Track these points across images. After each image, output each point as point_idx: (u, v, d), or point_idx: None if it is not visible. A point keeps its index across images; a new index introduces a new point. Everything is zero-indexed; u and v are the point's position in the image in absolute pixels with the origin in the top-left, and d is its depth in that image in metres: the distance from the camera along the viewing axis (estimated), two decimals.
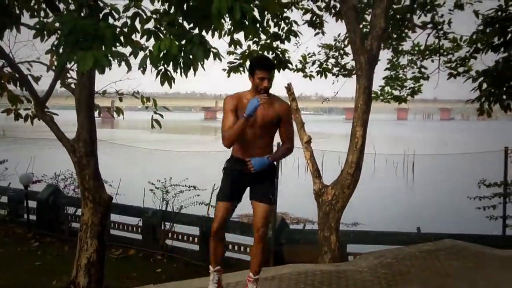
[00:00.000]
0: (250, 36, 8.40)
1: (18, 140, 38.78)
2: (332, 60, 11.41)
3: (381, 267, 5.85)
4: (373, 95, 11.30)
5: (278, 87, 7.93)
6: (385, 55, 11.58)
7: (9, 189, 14.59)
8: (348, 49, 10.63)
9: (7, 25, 6.07)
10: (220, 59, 6.55)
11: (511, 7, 8.81)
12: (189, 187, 12.15)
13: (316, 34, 10.62)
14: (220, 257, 4.55)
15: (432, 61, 11.23)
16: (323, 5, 10.34)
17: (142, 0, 5.24)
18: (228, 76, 9.26)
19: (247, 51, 9.50)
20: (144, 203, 12.93)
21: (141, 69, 4.79)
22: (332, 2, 10.26)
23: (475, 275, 5.59)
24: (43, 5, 6.63)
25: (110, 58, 4.63)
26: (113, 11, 5.00)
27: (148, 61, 4.77)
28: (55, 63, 7.40)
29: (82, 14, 4.99)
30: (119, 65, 4.81)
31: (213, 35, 6.33)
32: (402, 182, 28.08)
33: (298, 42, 10.40)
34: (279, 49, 9.61)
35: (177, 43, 4.79)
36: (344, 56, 11.31)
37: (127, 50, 4.99)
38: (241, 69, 9.44)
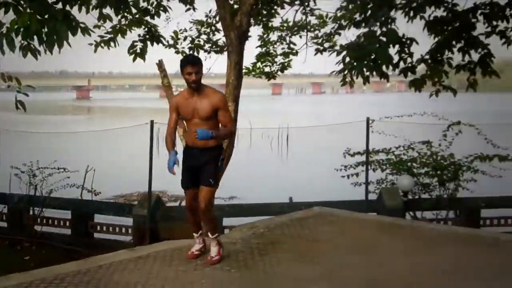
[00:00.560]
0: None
1: None
2: (204, 37, 11.37)
3: (254, 238, 6.00)
4: (244, 70, 11.50)
5: (151, 63, 7.80)
6: (256, 31, 11.74)
7: None
8: (220, 26, 10.65)
9: None
10: (90, 34, 6.25)
11: None
12: (59, 169, 11.60)
13: (187, 10, 10.51)
14: (198, 223, 5.28)
15: (300, 37, 11.58)
16: None
17: None
18: (95, 51, 8.89)
19: (118, 25, 9.18)
20: (10, 189, 12.17)
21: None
22: None
23: (340, 238, 5.93)
24: None
25: None
26: None
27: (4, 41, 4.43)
28: None
29: None
30: None
31: (79, 10, 6.03)
32: (277, 155, 28.97)
33: (169, 18, 10.23)
34: (150, 25, 9.39)
35: (39, 17, 4.48)
36: (216, 33, 11.32)
37: None
38: (111, 43, 9.12)
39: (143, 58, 9.23)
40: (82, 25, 4.86)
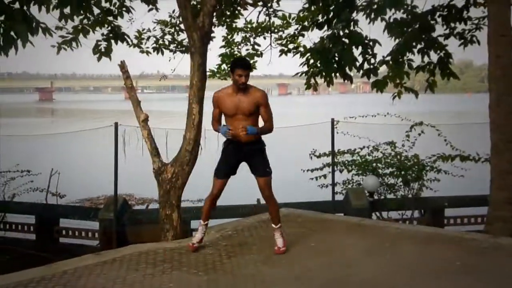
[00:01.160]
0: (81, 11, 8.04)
1: None
2: (168, 37, 11.31)
3: (222, 240, 6.01)
4: (209, 73, 11.49)
5: (116, 64, 7.70)
6: (220, 32, 11.75)
7: None
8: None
9: None
10: (51, 35, 6.13)
11: None
12: (22, 171, 11.37)
13: (150, 10, 10.45)
14: (209, 213, 5.71)
15: (265, 38, 11.64)
16: None
17: None
18: (58, 52, 8.75)
19: (80, 26, 9.06)
20: None
21: None
22: None
23: (308, 239, 5.98)
24: None
25: None
26: None
27: None
28: None
29: None
30: None
31: (39, 10, 5.91)
32: None
33: (132, 18, 10.17)
34: (113, 24, 9.31)
35: None
36: (180, 33, 11.27)
37: None
38: (73, 44, 8.99)
39: (109, 56, 9.15)
40: (42, 25, 4.77)
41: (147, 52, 11.10)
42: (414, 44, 10.25)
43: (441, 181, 10.88)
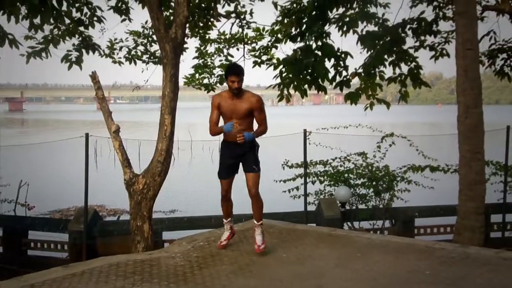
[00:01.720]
0: (52, 21, 7.96)
1: None
2: (141, 47, 11.28)
3: (193, 251, 5.96)
4: (184, 80, 11.49)
5: (87, 74, 7.63)
6: (193, 43, 11.83)
7: None
8: None
9: None
10: (17, 47, 6.06)
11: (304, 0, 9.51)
12: None
13: (123, 20, 10.41)
14: (230, 211, 6.13)
15: (238, 49, 11.69)
16: None
17: None
18: (27, 62, 8.64)
19: (50, 36, 8.96)
20: None
21: None
22: None
23: (280, 250, 5.98)
24: None
25: None
26: None
27: None
28: None
29: None
30: None
31: (8, 20, 5.83)
32: (217, 167, 28.91)
33: (104, 28, 10.10)
34: (84, 34, 9.23)
35: None
36: (153, 44, 11.24)
37: None
38: (43, 54, 8.88)
39: (80, 65, 9.06)
40: (10, 37, 4.70)
41: (119, 62, 11.05)
42: (385, 56, 10.41)
43: (411, 192, 11.03)
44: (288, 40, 10.38)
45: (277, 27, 10.71)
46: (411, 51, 10.86)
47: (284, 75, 9.92)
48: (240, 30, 11.29)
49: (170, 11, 10.05)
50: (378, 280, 4.97)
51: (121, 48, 11.08)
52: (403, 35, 10.67)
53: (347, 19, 10.09)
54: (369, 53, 10.51)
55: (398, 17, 11.10)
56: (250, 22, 11.14)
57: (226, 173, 5.87)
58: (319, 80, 10.13)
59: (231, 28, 11.38)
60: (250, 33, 11.49)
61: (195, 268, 5.36)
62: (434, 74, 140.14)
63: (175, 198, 17.63)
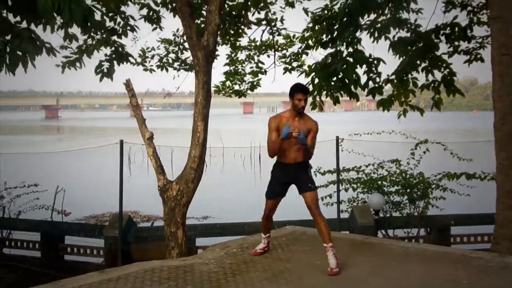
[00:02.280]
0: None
1: None
2: (172, 55, 11.42)
3: (226, 257, 5.99)
4: (214, 89, 11.57)
5: (121, 82, 7.76)
6: (224, 50, 11.93)
7: None
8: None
9: None
10: (55, 54, 6.20)
11: (335, 6, 9.47)
12: (29, 186, 11.42)
13: (154, 29, 10.56)
14: (269, 228, 6.17)
15: (268, 56, 11.72)
16: (159, 0, 10.30)
17: None
18: (62, 72, 8.84)
19: (84, 45, 9.15)
20: None
21: None
22: None
23: (313, 257, 5.95)
24: None
25: None
26: None
27: None
28: None
29: None
30: None
31: (44, 29, 5.96)
32: (250, 173, 29.00)
33: (136, 37, 10.28)
34: (117, 44, 9.40)
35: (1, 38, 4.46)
36: (184, 51, 11.38)
37: None
38: (77, 64, 9.07)
39: (111, 77, 9.21)
40: (47, 45, 4.82)
41: (151, 70, 11.22)
42: (418, 62, 10.28)
43: (447, 199, 10.84)
44: (319, 46, 10.36)
45: (307, 34, 10.70)
46: (445, 57, 10.70)
47: (316, 82, 9.89)
48: (271, 37, 11.34)
49: (202, 19, 10.15)
50: None
51: (153, 56, 11.24)
52: (436, 40, 10.52)
53: (379, 25, 10.01)
54: (401, 59, 10.40)
55: (431, 23, 11.04)
56: (280, 29, 11.19)
57: (274, 193, 5.85)
58: (352, 86, 10.07)
59: (261, 35, 11.44)
60: (281, 40, 11.52)
61: (229, 275, 5.38)
62: (468, 79, 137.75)
63: (208, 205, 17.73)
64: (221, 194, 21.32)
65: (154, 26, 10.54)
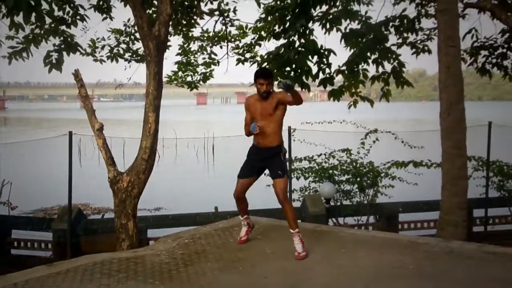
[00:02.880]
0: (33, 20, 7.88)
1: None
2: (123, 46, 11.22)
3: (178, 248, 5.96)
4: (167, 78, 11.45)
5: (70, 72, 7.60)
6: (176, 41, 11.82)
7: None
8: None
9: None
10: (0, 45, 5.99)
11: None
12: None
13: (104, 19, 10.34)
14: (245, 209, 6.12)
15: (221, 47, 11.68)
16: None
17: None
18: (9, 63, 8.56)
19: (31, 35, 8.88)
20: None
21: None
22: None
23: (265, 246, 6.00)
24: None
25: None
26: None
27: None
28: None
29: None
30: None
31: None
32: (203, 164, 28.91)
33: (86, 27, 10.04)
34: (66, 34, 9.15)
35: None
36: (136, 42, 11.20)
37: None
38: (24, 54, 8.80)
39: (59, 69, 8.95)
40: None
41: (101, 61, 11.00)
42: (368, 54, 10.47)
43: (395, 187, 11.12)
44: (272, 37, 10.39)
45: (260, 25, 10.72)
46: (394, 48, 10.94)
47: None
48: (224, 28, 11.29)
49: (153, 9, 10.01)
50: (362, 275, 5.02)
51: (103, 46, 11.02)
52: (386, 32, 10.74)
53: (330, 16, 10.12)
54: (352, 51, 10.56)
55: (381, 15, 11.29)
56: (233, 19, 11.15)
57: (244, 172, 5.89)
58: (303, 77, 10.16)
59: (214, 26, 11.39)
60: (234, 31, 11.50)
61: (180, 266, 5.36)
62: (418, 71, 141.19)
63: (160, 196, 17.58)
64: (173, 185, 21.17)
65: (105, 16, 10.32)
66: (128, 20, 11.03)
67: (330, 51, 10.03)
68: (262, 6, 10.30)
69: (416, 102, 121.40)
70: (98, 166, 24.87)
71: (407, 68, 11.00)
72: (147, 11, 8.29)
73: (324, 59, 10.10)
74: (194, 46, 11.87)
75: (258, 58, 10.92)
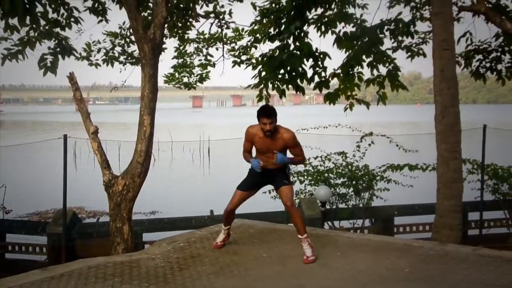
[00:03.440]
0: (28, 23, 7.86)
1: None
2: (118, 48, 11.20)
3: (173, 252, 5.94)
4: (164, 79, 11.44)
5: (65, 75, 7.57)
6: (172, 43, 11.84)
7: None
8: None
9: None
10: None
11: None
12: None
13: (100, 21, 10.31)
14: (230, 221, 6.10)
15: (217, 49, 11.69)
16: None
17: None
18: (2, 64, 8.51)
19: (26, 37, 8.84)
20: None
21: None
22: None
23: (260, 250, 5.99)
24: None
25: None
26: None
27: None
28: None
29: None
30: None
31: None
32: (198, 168, 28.90)
33: (81, 30, 10.00)
34: (60, 36, 9.12)
35: None
36: (131, 44, 11.18)
37: None
38: (19, 56, 8.75)
39: (54, 72, 8.90)
40: None
41: (96, 65, 10.96)
42: (363, 57, 10.48)
43: (391, 191, 11.12)
44: (267, 40, 10.40)
45: (256, 27, 10.72)
46: (389, 52, 10.95)
47: (262, 75, 9.93)
48: (219, 30, 11.29)
49: (149, 11, 9.99)
50: (357, 278, 5.01)
51: (98, 50, 10.99)
52: (381, 36, 10.75)
53: (326, 19, 10.13)
54: (347, 54, 10.58)
55: (376, 18, 11.31)
56: (229, 22, 11.15)
57: (246, 185, 5.91)
58: (298, 80, 10.17)
59: (210, 28, 11.38)
60: (229, 33, 11.50)
61: (175, 269, 5.35)
62: (413, 74, 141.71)
63: (155, 200, 17.56)
64: (169, 188, 21.15)
65: (100, 18, 10.29)
66: (123, 22, 11.00)
67: (325, 54, 10.04)
68: (257, 8, 10.31)
69: (412, 105, 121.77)
70: (93, 169, 24.89)
71: (402, 72, 11.02)
72: (142, 14, 8.28)
73: (319, 62, 10.10)
74: (190, 48, 11.90)
75: (254, 61, 10.92)
